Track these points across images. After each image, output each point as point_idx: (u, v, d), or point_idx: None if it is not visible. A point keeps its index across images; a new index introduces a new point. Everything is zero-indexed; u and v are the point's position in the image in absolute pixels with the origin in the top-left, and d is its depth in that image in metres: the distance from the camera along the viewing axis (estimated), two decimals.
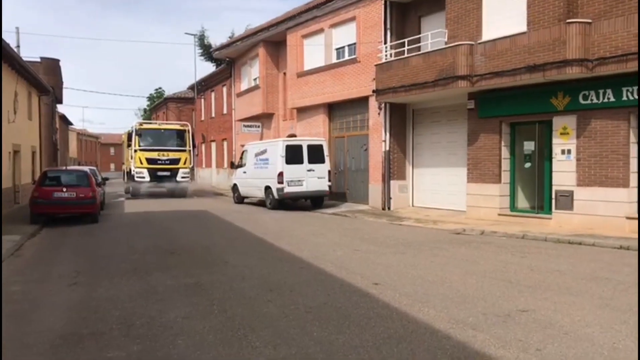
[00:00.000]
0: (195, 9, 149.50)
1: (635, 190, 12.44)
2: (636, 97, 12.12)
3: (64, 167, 24.37)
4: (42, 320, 6.20)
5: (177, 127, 28.21)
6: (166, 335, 5.59)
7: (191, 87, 41.72)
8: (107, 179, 26.29)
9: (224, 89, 35.35)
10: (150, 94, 66.14)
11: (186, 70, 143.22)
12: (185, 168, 26.92)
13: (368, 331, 5.55)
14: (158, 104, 54.14)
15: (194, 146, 28.07)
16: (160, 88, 66.25)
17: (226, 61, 33.53)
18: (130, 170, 27.13)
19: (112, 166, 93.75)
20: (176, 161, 26.67)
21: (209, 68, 50.73)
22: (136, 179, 26.09)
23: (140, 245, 11.99)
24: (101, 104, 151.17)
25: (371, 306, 6.49)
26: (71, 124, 56.62)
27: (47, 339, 5.55)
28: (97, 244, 12.36)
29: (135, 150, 26.21)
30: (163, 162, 26.35)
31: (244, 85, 30.96)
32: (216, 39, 61.26)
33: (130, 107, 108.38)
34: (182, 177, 26.72)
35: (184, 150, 27.12)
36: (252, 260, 9.72)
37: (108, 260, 10.08)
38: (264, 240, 12.42)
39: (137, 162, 26.06)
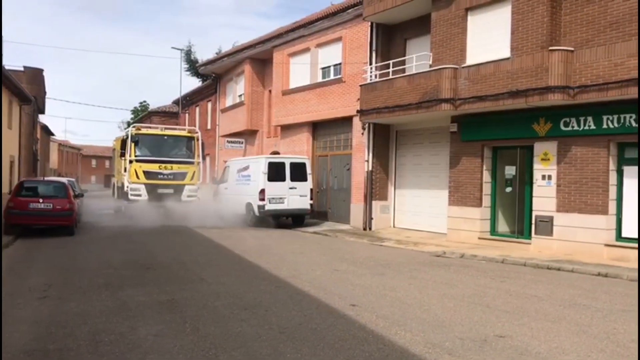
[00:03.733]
0: (184, 24, 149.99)
1: (614, 218, 12.53)
2: (616, 125, 12.27)
3: (42, 178, 23.81)
4: (7, 335, 5.99)
5: (184, 133, 23.32)
6: (135, 353, 5.43)
7: (176, 102, 41.54)
8: (86, 190, 25.64)
9: (209, 105, 35.26)
10: (135, 107, 65.89)
11: (171, 84, 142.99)
12: (193, 185, 21.81)
13: (342, 354, 5.44)
14: (142, 117, 53.85)
15: (203, 157, 23.25)
16: (144, 101, 66.19)
17: (212, 77, 33.48)
18: (122, 185, 22.24)
19: (93, 178, 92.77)
20: (181, 176, 21.59)
21: (194, 83, 50.70)
22: (130, 196, 20.94)
23: (115, 259, 11.76)
24: (85, 115, 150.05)
25: (347, 328, 6.39)
26: (53, 134, 56.01)
27: (11, 355, 5.36)
28: (72, 257, 12.12)
29: (131, 161, 21.08)
30: (165, 176, 21.29)
31: (228, 102, 30.91)
32: (203, 55, 61.37)
33: (113, 120, 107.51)
34: (189, 196, 21.47)
35: (192, 163, 22.15)
36: (229, 278, 9.57)
37: (81, 274, 9.85)
38: (242, 257, 12.27)
39: (132, 176, 20.95)
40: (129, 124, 66.20)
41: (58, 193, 16.31)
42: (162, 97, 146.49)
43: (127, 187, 21.16)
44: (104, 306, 7.37)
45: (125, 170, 21.63)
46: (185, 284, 9.02)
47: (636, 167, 12.33)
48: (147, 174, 21.09)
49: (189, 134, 23.03)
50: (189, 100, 39.32)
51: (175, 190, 21.34)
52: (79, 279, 9.36)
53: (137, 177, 20.98)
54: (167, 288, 8.61)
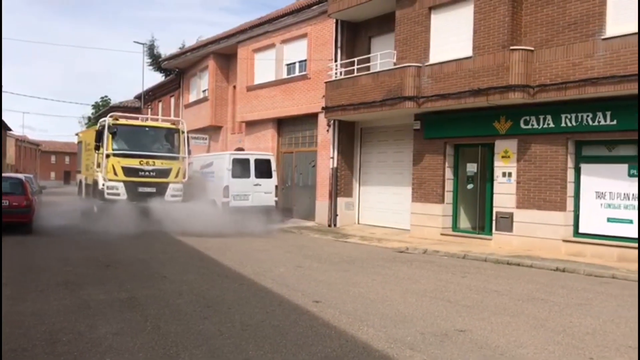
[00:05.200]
0: (147, 18, 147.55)
1: (572, 214, 12.86)
2: (574, 123, 12.59)
3: None
4: None
5: (167, 125, 20.70)
6: (93, 352, 5.32)
7: (138, 97, 40.92)
8: (44, 187, 24.83)
9: (172, 100, 34.79)
10: (96, 102, 64.63)
11: (134, 79, 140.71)
12: (177, 183, 19.21)
13: (305, 350, 5.44)
14: (103, 112, 52.88)
15: (189, 152, 20.56)
16: (106, 96, 64.89)
17: (175, 72, 33.05)
18: (95, 182, 19.42)
19: (53, 175, 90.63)
20: (165, 173, 18.91)
21: (157, 78, 49.99)
22: (107, 196, 18.21)
23: (74, 257, 11.51)
24: (44, 110, 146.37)
25: (310, 324, 6.39)
26: (10, 129, 54.47)
27: None
28: (29, 255, 11.80)
29: (108, 156, 18.34)
30: (147, 173, 18.68)
31: (192, 97, 30.56)
32: (166, 50, 60.52)
33: (74, 115, 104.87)
34: (173, 196, 18.98)
35: (176, 158, 19.47)
36: (192, 276, 9.46)
37: (38, 273, 9.60)
38: (206, 255, 12.15)
39: (109, 172, 18.28)
40: (89, 119, 64.89)
41: (15, 190, 15.84)
42: (124, 92, 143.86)
43: (103, 185, 18.46)
44: (62, 305, 7.20)
45: (98, 166, 19.03)
46: (147, 281, 8.88)
47: (593, 165, 12.70)
48: (127, 171, 18.42)
49: (173, 126, 20.49)
50: (151, 95, 38.77)
51: (158, 189, 18.81)
52: (36, 278, 9.11)
53: (115, 173, 18.35)
54: (128, 286, 8.47)
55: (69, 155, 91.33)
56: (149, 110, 39.36)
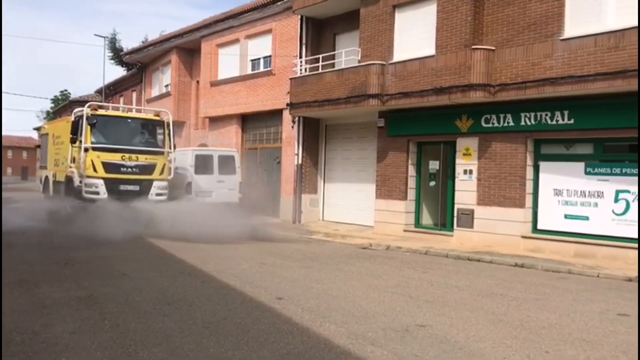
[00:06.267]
0: (109, 11, 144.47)
1: (530, 211, 13.14)
2: (533, 122, 12.87)
3: None
4: None
5: (151, 116, 18.72)
6: (49, 352, 5.18)
7: (99, 91, 40.11)
8: None
9: (134, 95, 34.24)
10: (55, 96, 63.04)
11: (94, 73, 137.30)
12: (162, 180, 17.52)
13: (267, 347, 5.42)
14: (62, 106, 51.70)
15: (174, 147, 18.45)
16: (65, 90, 63.36)
17: (137, 66, 32.50)
18: (70, 179, 17.63)
19: (9, 170, 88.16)
20: (149, 169, 17.24)
21: (118, 72, 49.14)
22: (85, 194, 16.50)
23: (31, 255, 11.17)
24: None
25: (272, 321, 6.37)
26: None
27: None
28: None
29: (86, 149, 16.44)
30: (129, 169, 16.97)
31: (154, 92, 30.12)
32: (129, 44, 59.53)
33: (31, 109, 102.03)
34: (157, 194, 17.36)
35: (161, 153, 17.69)
36: (152, 273, 9.32)
37: None
38: (167, 252, 11.98)
39: (88, 168, 16.44)
40: (48, 113, 63.27)
41: None
42: (84, 86, 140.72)
43: (81, 182, 16.75)
44: (17, 304, 6.98)
45: (73, 161, 17.36)
46: (106, 279, 8.70)
47: (551, 163, 13.02)
48: (107, 166, 16.65)
49: (157, 117, 18.58)
50: (112, 90, 38.07)
51: (141, 187, 17.19)
52: None
53: (95, 169, 16.55)
54: (86, 284, 8.28)
55: (27, 150, 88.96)
56: (110, 104, 38.64)
